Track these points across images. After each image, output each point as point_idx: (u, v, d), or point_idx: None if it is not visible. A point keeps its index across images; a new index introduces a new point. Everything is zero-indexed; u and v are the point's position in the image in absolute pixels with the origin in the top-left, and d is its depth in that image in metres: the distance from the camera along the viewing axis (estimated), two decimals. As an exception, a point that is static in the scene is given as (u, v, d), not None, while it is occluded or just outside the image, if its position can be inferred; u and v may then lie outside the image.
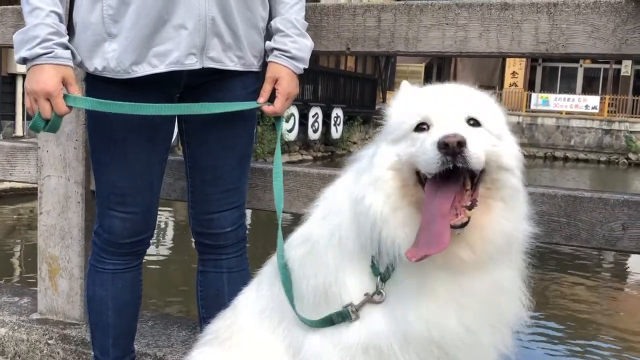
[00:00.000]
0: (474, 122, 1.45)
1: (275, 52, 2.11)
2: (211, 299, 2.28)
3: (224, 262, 2.27)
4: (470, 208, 1.41)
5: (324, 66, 21.98)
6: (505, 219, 1.47)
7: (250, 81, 2.15)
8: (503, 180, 1.46)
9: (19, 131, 14.32)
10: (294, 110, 17.63)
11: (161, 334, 2.78)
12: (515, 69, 30.16)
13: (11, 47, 2.82)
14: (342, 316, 1.54)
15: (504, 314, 1.52)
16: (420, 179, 1.45)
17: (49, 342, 2.75)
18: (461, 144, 1.33)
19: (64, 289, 2.83)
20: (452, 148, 1.32)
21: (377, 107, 26.09)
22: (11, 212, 10.30)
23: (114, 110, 1.92)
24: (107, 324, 2.20)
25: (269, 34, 2.16)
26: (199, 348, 1.90)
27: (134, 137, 2.03)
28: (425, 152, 1.37)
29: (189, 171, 2.21)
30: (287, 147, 18.68)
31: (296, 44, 2.11)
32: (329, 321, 1.56)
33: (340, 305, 1.54)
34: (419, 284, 1.46)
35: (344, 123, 22.22)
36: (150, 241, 2.23)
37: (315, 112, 20.08)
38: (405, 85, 1.66)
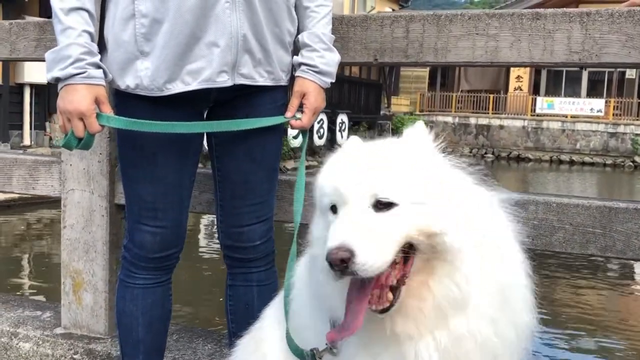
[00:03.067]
0: (385, 204, 1.30)
1: (303, 67, 2.10)
2: (241, 312, 2.27)
3: (254, 275, 2.26)
4: (397, 286, 1.32)
5: (329, 72, 21.84)
6: (451, 279, 1.33)
7: (279, 96, 2.15)
8: (440, 244, 1.32)
9: (26, 140, 14.37)
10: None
11: (187, 348, 2.76)
12: (520, 72, 30.11)
13: (34, 60, 2.84)
14: (310, 357, 1.54)
15: None
16: None
17: (74, 357, 2.74)
18: (344, 260, 1.22)
19: (88, 303, 2.81)
20: (336, 267, 1.24)
21: (382, 112, 26.13)
22: (21, 222, 10.32)
23: (146, 129, 1.92)
24: (137, 340, 2.18)
25: (296, 48, 2.15)
26: (229, 362, 1.91)
27: (164, 152, 2.02)
28: (321, 257, 1.29)
29: (219, 185, 2.20)
30: (292, 153, 18.68)
31: (323, 59, 2.10)
32: (302, 356, 1.58)
33: (317, 344, 1.54)
34: (365, 346, 1.42)
35: (349, 128, 22.23)
36: (180, 255, 2.22)
37: (321, 118, 20.05)
38: (352, 140, 1.53)
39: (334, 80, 2.14)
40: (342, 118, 21.39)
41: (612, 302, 7.14)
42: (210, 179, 2.45)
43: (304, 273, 1.65)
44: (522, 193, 2.27)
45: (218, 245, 2.36)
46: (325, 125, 20.30)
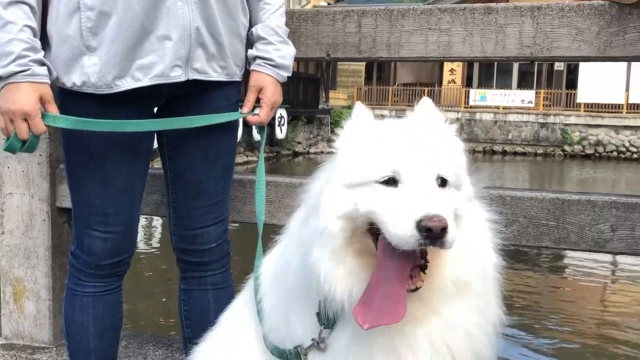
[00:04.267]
0: (442, 182, 1.32)
1: (259, 61, 2.04)
2: (196, 318, 2.19)
3: (209, 279, 2.19)
4: (424, 268, 1.32)
5: (266, 67, 21.75)
6: (459, 262, 1.35)
7: (232, 92, 2.08)
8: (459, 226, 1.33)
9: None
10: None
11: (137, 355, 2.67)
12: (453, 66, 30.69)
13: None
14: (294, 355, 1.49)
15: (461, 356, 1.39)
16: (372, 228, 1.31)
17: (17, 368, 2.61)
18: (444, 230, 1.19)
19: (30, 312, 2.68)
20: (435, 235, 1.18)
21: (320, 106, 26.18)
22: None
23: (95, 129, 1.82)
24: (88, 350, 2.08)
25: (249, 42, 2.09)
26: (187, 370, 1.84)
27: (114, 152, 1.93)
28: (399, 225, 1.21)
29: (171, 186, 2.12)
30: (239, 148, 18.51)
31: (279, 52, 2.05)
32: (284, 356, 1.52)
33: (292, 343, 1.50)
34: (357, 337, 1.37)
35: (288, 123, 22.18)
36: (130, 261, 2.13)
37: (280, 114, 19.98)
38: (360, 110, 1.48)
39: (290, 74, 2.09)
40: (281, 113, 21.32)
41: (548, 287, 7.35)
42: (157, 179, 2.37)
43: (285, 267, 1.54)
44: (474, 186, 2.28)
45: (157, 244, 2.27)
46: (285, 121, 20.27)
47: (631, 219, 2.08)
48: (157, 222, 9.20)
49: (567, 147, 26.76)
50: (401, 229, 1.20)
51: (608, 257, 8.17)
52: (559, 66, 29.88)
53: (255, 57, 2.04)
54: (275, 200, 2.42)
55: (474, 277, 1.37)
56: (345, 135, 1.44)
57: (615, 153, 26.00)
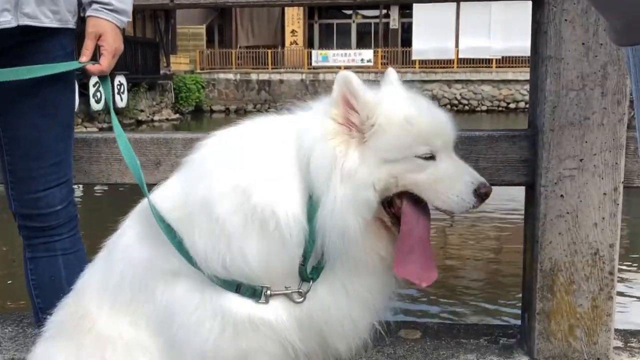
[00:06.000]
0: None
1: (95, 6, 1.91)
2: (47, 286, 2.05)
3: (57, 244, 2.04)
4: None
5: (101, 32, 20.63)
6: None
7: (67, 41, 1.94)
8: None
9: None
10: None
11: (-18, 336, 2.46)
12: (294, 27, 30.84)
13: None
14: (252, 292, 1.43)
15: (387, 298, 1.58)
16: (386, 199, 1.45)
17: None
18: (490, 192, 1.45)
19: None
20: (487, 197, 1.43)
21: (161, 72, 25.31)
22: None
23: None
24: None
25: (79, -14, 1.94)
26: (42, 344, 1.68)
27: None
28: (457, 193, 1.42)
29: (5, 147, 1.94)
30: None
31: (118, -5, 1.92)
32: (235, 287, 1.44)
33: (245, 278, 1.43)
34: (335, 282, 1.47)
35: (129, 90, 21.27)
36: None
37: (96, 80, 18.84)
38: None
39: (130, 19, 1.97)
40: (120, 80, 20.35)
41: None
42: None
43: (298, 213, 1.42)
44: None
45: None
46: (102, 88, 19.14)
47: (475, 151, 2.20)
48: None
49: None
50: (461, 197, 1.42)
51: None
52: (394, 25, 31.02)
53: (92, 2, 1.90)
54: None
55: None
56: (382, 106, 1.43)
57: (449, 106, 27.52)
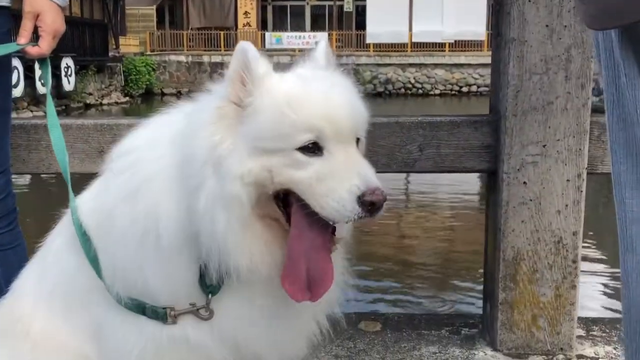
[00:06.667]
0: (357, 141, 1.24)
1: None
2: (-19, 285, 1.89)
3: (-7, 239, 1.89)
4: (334, 231, 1.27)
5: (46, 12, 20.00)
6: None
7: (2, 20, 1.78)
8: None
9: None
10: (16, 62, 15.85)
11: None
12: (247, 8, 30.41)
13: None
14: (156, 314, 1.31)
15: (321, 307, 1.39)
16: (279, 195, 1.22)
17: None
18: (385, 200, 1.15)
19: None
20: (378, 208, 1.14)
21: (110, 54, 24.66)
22: None
23: None
24: None
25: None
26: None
27: None
28: (337, 200, 1.14)
29: None
30: (12, 104, 16.86)
31: (56, -29, 1.78)
32: (141, 309, 1.32)
33: (150, 300, 1.31)
34: (245, 303, 1.31)
35: (76, 73, 20.65)
36: None
37: (67, 63, 18.36)
38: (250, 53, 1.22)
39: (70, -2, 1.82)
40: (67, 62, 19.73)
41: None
42: None
43: (173, 212, 1.26)
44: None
45: None
46: (72, 71, 18.67)
47: (437, 137, 2.13)
48: None
49: (359, 87, 27.92)
50: (341, 204, 1.14)
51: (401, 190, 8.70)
52: (348, 8, 30.88)
53: (28, -23, 1.75)
54: (68, 145, 2.13)
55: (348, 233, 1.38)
56: (265, 83, 1.21)
57: (403, 90, 27.68)
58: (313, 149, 1.17)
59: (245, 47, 1.21)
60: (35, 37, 1.78)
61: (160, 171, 1.27)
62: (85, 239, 1.38)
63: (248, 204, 1.19)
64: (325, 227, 1.22)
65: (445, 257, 5.99)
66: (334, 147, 1.18)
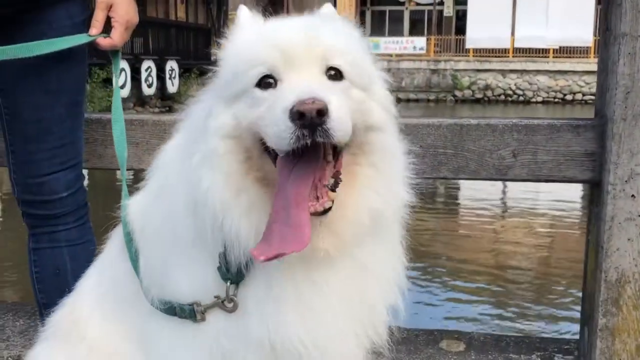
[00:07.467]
0: (335, 73, 1.12)
1: None
2: (50, 280, 1.88)
3: (62, 234, 1.88)
4: (334, 187, 1.11)
5: (153, 17, 20.82)
6: (374, 190, 1.17)
7: (76, 10, 1.76)
8: (373, 142, 1.16)
9: None
10: (124, 64, 16.56)
11: (-7, 326, 2.32)
12: (346, 14, 30.56)
13: None
14: (186, 312, 1.22)
15: (372, 306, 1.24)
16: (268, 147, 1.11)
17: None
18: (322, 112, 0.99)
19: None
20: (310, 119, 0.99)
21: (212, 58, 25.35)
22: None
23: None
24: None
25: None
26: (40, 344, 1.53)
27: None
28: (274, 122, 1.03)
29: (7, 127, 1.77)
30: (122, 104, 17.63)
31: (131, -40, 1.73)
32: (172, 311, 1.25)
33: (178, 299, 1.24)
34: (266, 286, 1.17)
35: (180, 76, 21.35)
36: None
37: (148, 65, 19.05)
38: (243, 12, 1.23)
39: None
40: (172, 65, 20.44)
41: (442, 227, 7.40)
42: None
43: (167, 214, 1.25)
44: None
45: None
46: (154, 73, 19.30)
47: (533, 142, 1.92)
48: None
49: (457, 92, 27.40)
50: (275, 125, 1.02)
51: (498, 195, 8.36)
52: (448, 12, 30.37)
53: (102, -33, 1.71)
54: (143, 141, 2.11)
55: (389, 209, 1.19)
56: (227, 47, 1.20)
57: (502, 96, 26.90)
58: (269, 83, 1.10)
59: (240, 10, 1.22)
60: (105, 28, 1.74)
61: (175, 157, 1.26)
62: (129, 238, 1.33)
63: (232, 159, 1.12)
64: (303, 178, 1.07)
65: (542, 272, 5.65)
66: (287, 76, 1.09)
